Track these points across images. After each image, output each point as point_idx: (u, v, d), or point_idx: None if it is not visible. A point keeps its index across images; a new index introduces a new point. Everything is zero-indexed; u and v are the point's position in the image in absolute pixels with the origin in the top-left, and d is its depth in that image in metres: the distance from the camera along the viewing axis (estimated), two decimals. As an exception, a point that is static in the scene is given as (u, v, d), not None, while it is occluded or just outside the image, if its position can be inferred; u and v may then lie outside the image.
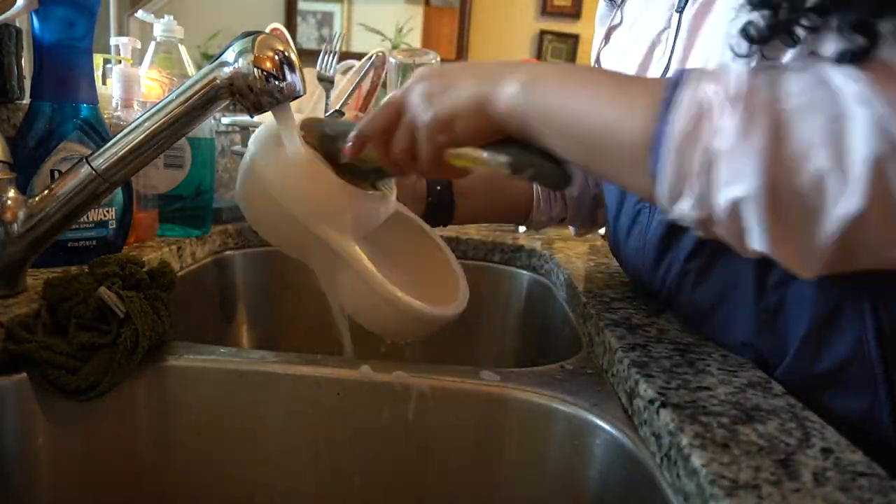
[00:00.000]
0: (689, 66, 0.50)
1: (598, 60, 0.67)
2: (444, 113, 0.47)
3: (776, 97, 0.35)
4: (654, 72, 0.55)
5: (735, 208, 0.35)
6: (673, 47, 0.53)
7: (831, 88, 0.34)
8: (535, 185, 0.79)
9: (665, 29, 0.55)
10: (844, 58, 0.36)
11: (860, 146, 0.32)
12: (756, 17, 0.41)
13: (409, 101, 0.49)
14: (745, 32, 0.41)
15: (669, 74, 0.41)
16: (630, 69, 0.58)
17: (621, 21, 0.64)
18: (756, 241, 0.36)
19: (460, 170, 0.50)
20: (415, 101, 0.48)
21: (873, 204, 0.32)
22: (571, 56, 2.67)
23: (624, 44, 0.62)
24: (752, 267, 0.47)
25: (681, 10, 0.52)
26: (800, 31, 0.39)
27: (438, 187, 0.75)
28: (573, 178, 0.46)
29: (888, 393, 0.44)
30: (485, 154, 0.46)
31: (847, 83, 0.33)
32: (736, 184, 0.35)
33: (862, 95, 0.33)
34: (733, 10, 0.43)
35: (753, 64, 0.40)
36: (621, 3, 0.65)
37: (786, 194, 0.34)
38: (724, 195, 0.35)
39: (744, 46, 0.42)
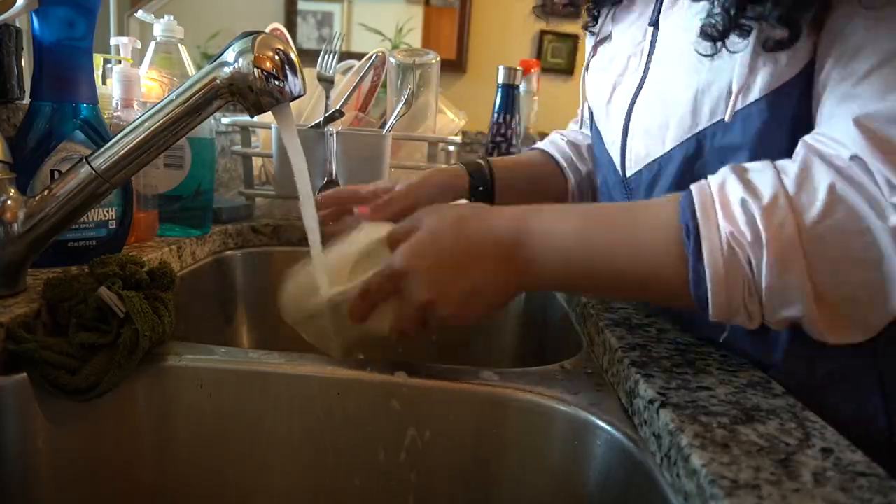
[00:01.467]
0: (658, 74, 0.54)
1: (587, 69, 0.69)
2: (477, 314, 0.48)
3: (801, 226, 0.37)
4: (632, 81, 0.58)
5: (791, 320, 0.40)
6: (649, 58, 0.56)
7: (849, 202, 0.37)
8: (570, 183, 0.79)
9: (640, 42, 0.57)
10: (768, 45, 0.42)
11: (892, 255, 0.36)
12: (709, 19, 0.44)
13: (428, 301, 0.46)
14: (704, 34, 0.45)
15: (682, 199, 0.42)
16: (610, 79, 0.61)
17: (609, 36, 0.66)
18: (813, 333, 0.40)
19: None
20: (436, 313, 0.47)
21: None
22: (571, 56, 2.67)
23: (609, 54, 0.64)
24: None
25: (654, 24, 0.55)
26: (749, 24, 0.42)
27: (481, 187, 0.75)
28: None
29: (881, 390, 0.44)
30: None
31: (863, 198, 0.37)
32: (788, 308, 0.39)
33: (888, 218, 0.36)
34: (697, 19, 0.46)
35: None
36: (606, 18, 0.67)
37: (833, 303, 0.38)
38: (777, 316, 0.40)
39: (706, 46, 0.45)
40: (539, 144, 0.85)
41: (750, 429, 0.36)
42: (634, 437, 0.42)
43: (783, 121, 0.44)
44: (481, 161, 0.76)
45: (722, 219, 0.39)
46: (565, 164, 0.79)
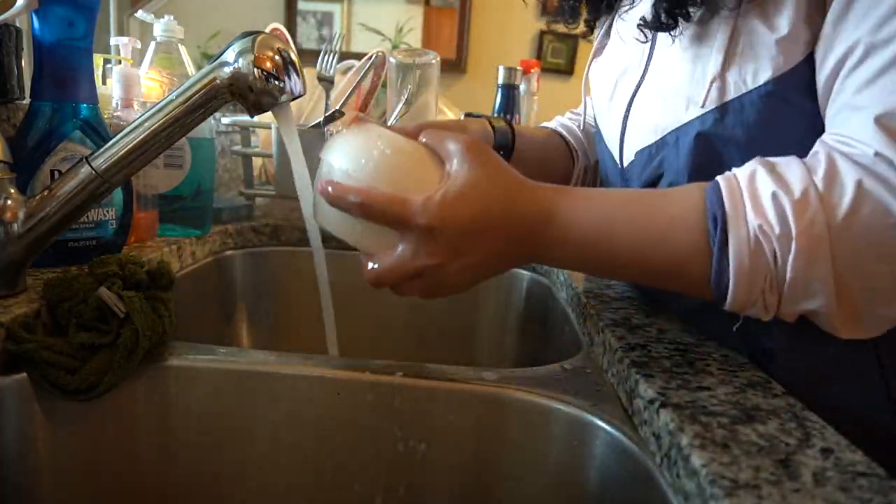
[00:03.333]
0: (657, 71, 0.55)
1: (590, 66, 0.70)
2: (477, 279, 0.47)
3: (830, 222, 0.38)
4: (632, 79, 0.59)
5: (807, 313, 0.41)
6: (649, 57, 0.57)
7: (876, 197, 0.37)
8: (577, 167, 0.79)
9: (643, 40, 0.58)
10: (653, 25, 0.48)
11: None
12: (654, 11, 0.50)
13: (438, 263, 0.44)
14: (656, 25, 0.50)
15: (707, 195, 0.42)
16: (612, 77, 0.62)
17: (611, 35, 0.67)
18: (830, 329, 0.41)
19: None
20: (446, 267, 0.45)
21: None
22: (572, 56, 2.67)
23: (612, 53, 0.65)
24: None
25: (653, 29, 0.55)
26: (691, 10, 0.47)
27: (501, 152, 0.75)
28: None
29: (883, 378, 0.44)
30: None
31: (878, 180, 0.37)
32: (807, 302, 0.39)
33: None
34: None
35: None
36: (602, 29, 0.69)
37: (855, 298, 0.39)
38: (796, 308, 0.40)
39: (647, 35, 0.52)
40: (550, 124, 0.84)
41: (750, 429, 0.36)
42: (634, 437, 0.42)
43: (780, 114, 0.45)
44: (505, 125, 0.76)
45: (751, 211, 0.39)
46: (576, 147, 0.79)
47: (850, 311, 0.39)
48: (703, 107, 0.47)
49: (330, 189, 0.45)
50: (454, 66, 2.56)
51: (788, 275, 0.39)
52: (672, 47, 0.52)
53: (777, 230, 0.38)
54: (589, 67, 0.70)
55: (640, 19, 0.52)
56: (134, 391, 0.50)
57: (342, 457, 0.51)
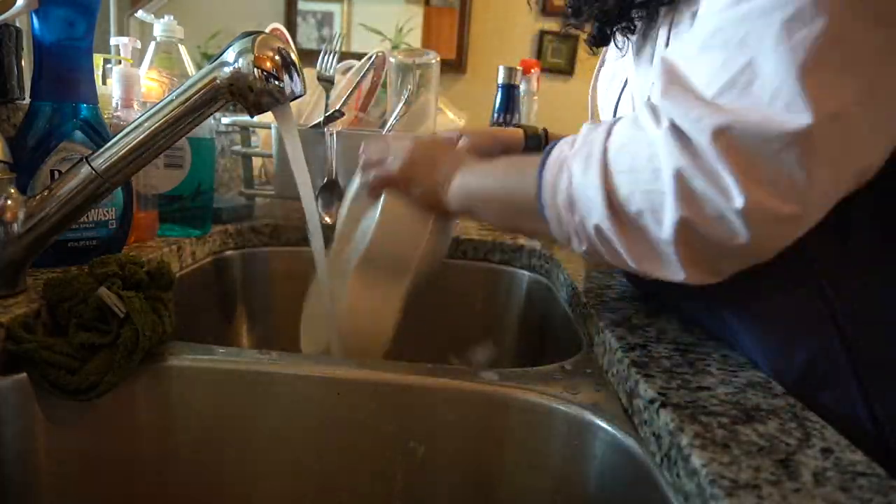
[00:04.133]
0: (630, 84, 0.59)
1: (595, 81, 0.73)
2: (415, 176, 0.63)
3: (606, 138, 0.43)
4: (615, 89, 0.63)
5: (600, 234, 0.43)
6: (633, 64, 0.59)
7: (640, 124, 0.41)
8: None
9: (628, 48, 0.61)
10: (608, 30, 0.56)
11: (665, 164, 0.38)
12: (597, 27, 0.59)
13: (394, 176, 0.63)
14: (599, 41, 0.60)
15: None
16: (614, 94, 0.66)
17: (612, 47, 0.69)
18: (625, 257, 0.43)
19: None
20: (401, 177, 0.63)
21: (687, 206, 0.37)
22: (572, 56, 2.67)
23: (612, 71, 0.68)
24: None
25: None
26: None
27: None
28: None
29: (860, 387, 0.44)
30: None
31: (649, 117, 0.40)
32: (592, 213, 0.43)
33: (661, 126, 0.39)
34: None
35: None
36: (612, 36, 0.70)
37: (627, 214, 0.41)
38: (588, 225, 0.44)
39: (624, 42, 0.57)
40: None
41: (750, 429, 0.36)
42: (634, 437, 0.42)
43: None
44: (540, 131, 0.82)
45: (568, 144, 0.46)
46: None
47: (630, 232, 0.41)
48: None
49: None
50: (454, 66, 2.56)
51: (574, 182, 0.44)
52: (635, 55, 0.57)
53: (570, 149, 0.45)
54: (596, 77, 0.72)
55: (588, 36, 0.60)
56: (134, 391, 0.50)
57: (342, 456, 0.51)
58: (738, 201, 0.36)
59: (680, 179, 0.37)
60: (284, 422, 0.51)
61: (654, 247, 0.41)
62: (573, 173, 0.44)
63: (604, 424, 0.45)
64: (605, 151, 0.42)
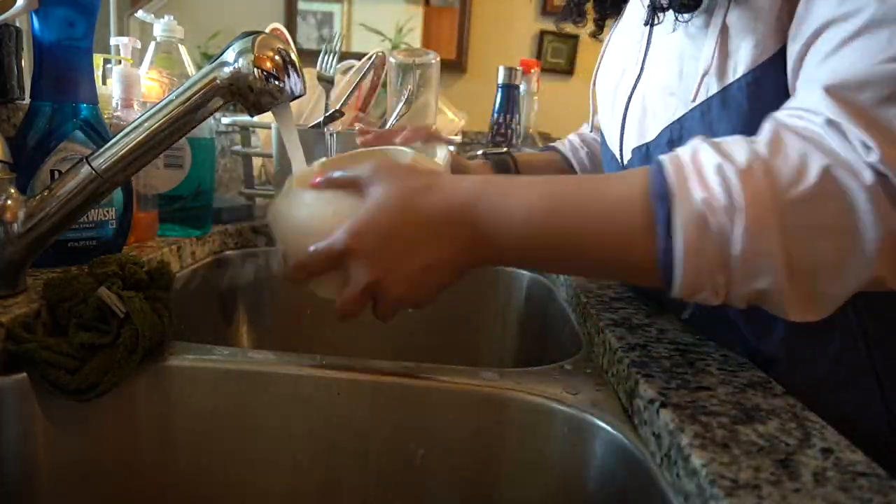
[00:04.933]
0: (651, 69, 0.56)
1: (596, 77, 0.71)
2: (430, 294, 0.46)
3: (776, 192, 0.36)
4: (629, 79, 0.59)
5: (757, 294, 0.38)
6: (644, 56, 0.57)
7: (820, 165, 0.36)
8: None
9: (639, 41, 0.59)
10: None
11: (872, 227, 0.35)
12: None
13: (378, 280, 0.45)
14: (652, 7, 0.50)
15: (646, 168, 0.41)
16: (613, 80, 0.63)
17: (611, 42, 0.69)
18: (776, 311, 0.39)
19: None
20: (396, 283, 0.45)
21: (885, 268, 0.35)
22: (572, 56, 2.67)
23: (612, 59, 0.66)
24: None
25: (648, 23, 0.55)
26: None
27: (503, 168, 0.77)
28: None
29: (880, 388, 0.45)
30: None
31: (843, 162, 0.35)
32: (760, 278, 0.37)
33: (861, 178, 0.35)
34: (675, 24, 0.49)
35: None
36: (613, 27, 0.70)
37: (802, 273, 0.37)
38: (746, 288, 0.38)
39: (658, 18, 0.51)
40: (556, 144, 0.89)
41: (750, 429, 0.36)
42: (634, 437, 0.42)
43: (765, 104, 0.44)
44: (507, 156, 0.78)
45: (696, 184, 0.37)
46: (575, 165, 0.83)
47: (801, 289, 0.37)
48: (693, 101, 0.48)
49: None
50: (454, 66, 2.55)
51: (737, 249, 0.36)
52: (665, 45, 0.53)
53: (723, 201, 0.36)
54: (595, 75, 0.71)
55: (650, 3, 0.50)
56: (134, 391, 0.50)
57: (342, 456, 0.51)
58: None
59: (886, 244, 0.35)
60: (284, 422, 0.51)
61: (817, 298, 0.38)
62: (735, 236, 0.36)
63: (604, 424, 0.45)
64: (781, 206, 0.35)
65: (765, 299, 0.38)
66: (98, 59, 0.81)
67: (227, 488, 0.52)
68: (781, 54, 0.43)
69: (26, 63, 0.69)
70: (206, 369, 0.51)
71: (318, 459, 0.51)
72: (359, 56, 1.16)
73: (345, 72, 1.12)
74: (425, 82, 1.02)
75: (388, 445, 0.50)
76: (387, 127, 0.94)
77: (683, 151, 0.40)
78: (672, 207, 0.38)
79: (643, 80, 0.57)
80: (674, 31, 0.51)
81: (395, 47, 2.44)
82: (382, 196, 0.44)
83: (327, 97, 0.92)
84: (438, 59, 1.04)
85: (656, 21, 0.51)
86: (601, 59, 0.69)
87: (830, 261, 0.36)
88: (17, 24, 0.66)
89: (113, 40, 0.84)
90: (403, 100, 0.96)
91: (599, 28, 0.72)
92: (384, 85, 1.07)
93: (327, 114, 0.90)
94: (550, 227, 0.42)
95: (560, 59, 2.65)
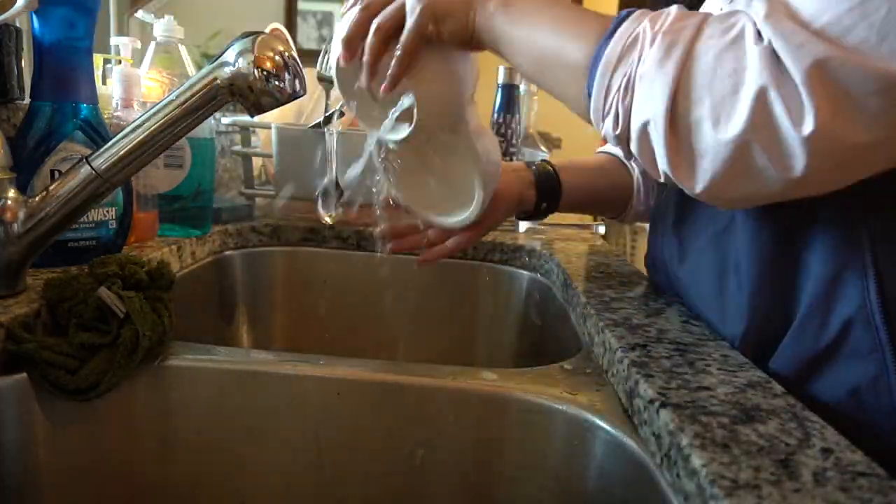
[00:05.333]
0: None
1: None
2: (441, 8, 0.51)
3: (696, 36, 0.39)
4: None
5: (645, 129, 0.41)
6: None
7: (735, 35, 0.39)
8: (635, 175, 0.79)
9: None
10: None
11: (751, 80, 0.37)
12: None
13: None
14: None
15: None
16: None
17: None
18: (659, 159, 0.41)
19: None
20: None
21: (755, 128, 0.37)
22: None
23: None
24: (751, 241, 0.48)
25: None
26: None
27: (544, 204, 0.75)
28: None
29: (894, 357, 0.44)
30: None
31: (748, 32, 0.38)
32: (647, 106, 0.40)
33: (759, 44, 0.37)
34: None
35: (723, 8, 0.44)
36: None
37: (685, 118, 0.39)
38: (637, 116, 0.41)
39: None
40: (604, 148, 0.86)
41: (750, 429, 0.36)
42: (634, 437, 0.42)
43: None
44: (550, 169, 0.75)
45: (650, 20, 0.42)
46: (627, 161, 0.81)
47: (678, 143, 0.40)
48: None
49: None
50: None
51: (641, 68, 0.40)
52: None
53: (651, 28, 0.41)
54: None
55: None
56: (134, 391, 0.50)
57: (342, 456, 0.51)
58: (808, 129, 0.35)
59: (760, 100, 0.36)
60: (284, 422, 0.51)
61: (695, 158, 0.40)
62: (645, 57, 0.41)
63: (604, 424, 0.45)
64: (690, 49, 0.39)
65: (652, 137, 0.41)
66: (98, 59, 0.81)
67: (227, 488, 0.52)
68: None
69: (26, 63, 0.69)
70: (206, 369, 0.51)
71: (318, 459, 0.51)
72: (359, 56, 1.15)
73: (345, 72, 1.12)
74: (425, 82, 1.02)
75: (388, 445, 0.50)
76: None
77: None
78: (624, 21, 0.43)
79: None
80: None
81: (395, 47, 2.43)
82: None
83: (327, 97, 0.92)
84: (438, 59, 1.04)
85: None
86: None
87: (707, 109, 0.38)
88: (17, 24, 0.66)
89: (113, 40, 0.85)
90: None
91: None
92: (384, 85, 1.07)
93: (327, 114, 0.90)
94: (536, 18, 0.49)
95: (560, 59, 2.65)
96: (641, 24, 0.42)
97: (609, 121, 0.44)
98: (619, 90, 0.42)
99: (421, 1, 0.51)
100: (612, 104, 0.43)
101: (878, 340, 0.44)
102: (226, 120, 1.06)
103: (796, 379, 0.45)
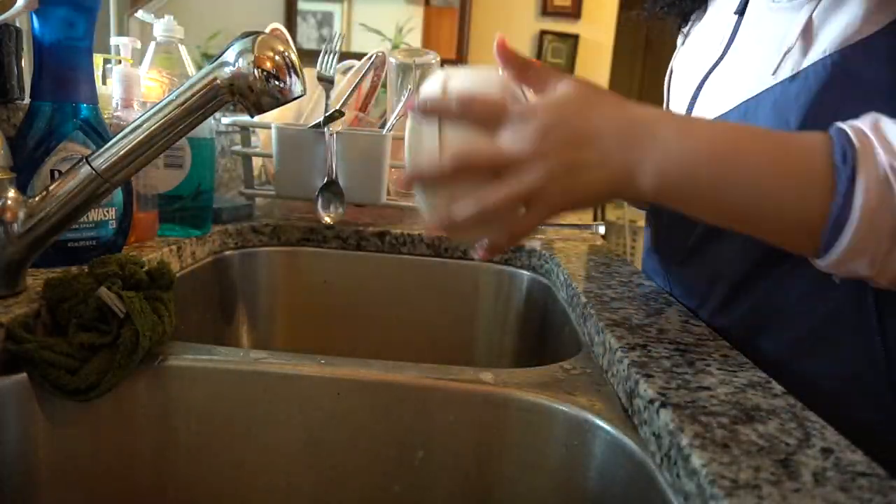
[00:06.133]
0: (734, 56, 0.56)
1: (671, 72, 0.72)
2: (578, 197, 0.42)
3: None
4: (705, 65, 0.60)
5: None
6: (728, 44, 0.58)
7: None
8: None
9: (723, 31, 0.59)
10: None
11: None
12: None
13: (535, 154, 0.41)
14: None
15: (821, 135, 0.40)
16: (689, 69, 0.63)
17: (689, 35, 0.70)
18: None
19: None
20: (546, 165, 0.41)
21: None
22: (572, 55, 2.67)
23: (689, 51, 0.67)
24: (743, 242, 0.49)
25: (739, 12, 0.57)
26: None
27: None
28: None
29: (883, 341, 0.44)
30: None
31: None
32: None
33: None
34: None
35: None
36: (694, 20, 0.71)
37: None
38: None
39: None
40: None
41: (750, 429, 0.36)
42: (634, 437, 0.42)
43: (850, 82, 0.43)
44: None
45: (880, 149, 0.37)
46: None
47: None
48: (774, 75, 0.48)
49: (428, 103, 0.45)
50: (454, 65, 2.56)
51: None
52: (751, 31, 0.54)
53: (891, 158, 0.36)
54: (670, 72, 0.71)
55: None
56: (134, 391, 0.50)
57: (342, 457, 0.51)
58: None
59: None
60: (284, 422, 0.51)
61: None
62: None
63: (604, 424, 0.45)
64: None
65: None
66: (98, 59, 0.81)
67: (227, 488, 0.52)
68: (882, 34, 0.43)
69: (26, 63, 0.69)
70: (206, 369, 0.51)
71: (318, 459, 0.51)
72: (359, 56, 1.16)
73: (345, 72, 1.12)
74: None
75: (388, 445, 0.50)
76: (386, 127, 0.94)
77: (861, 121, 0.39)
78: (857, 165, 0.37)
79: (723, 64, 0.58)
80: (767, 10, 0.52)
81: (395, 47, 2.44)
82: (576, 87, 0.43)
83: (327, 97, 0.92)
84: (439, 59, 1.04)
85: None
86: (675, 57, 0.70)
87: None
88: (17, 24, 0.66)
89: (113, 40, 0.84)
90: (403, 100, 0.96)
91: (685, 20, 0.73)
92: (384, 85, 1.07)
93: (327, 114, 0.90)
94: (730, 158, 0.40)
95: (560, 58, 2.66)
96: (874, 156, 0.37)
97: (859, 264, 0.39)
98: (879, 238, 0.37)
99: (556, 192, 0.41)
100: (869, 248, 0.38)
101: (869, 324, 0.44)
102: (226, 120, 1.06)
103: (788, 359, 0.46)
